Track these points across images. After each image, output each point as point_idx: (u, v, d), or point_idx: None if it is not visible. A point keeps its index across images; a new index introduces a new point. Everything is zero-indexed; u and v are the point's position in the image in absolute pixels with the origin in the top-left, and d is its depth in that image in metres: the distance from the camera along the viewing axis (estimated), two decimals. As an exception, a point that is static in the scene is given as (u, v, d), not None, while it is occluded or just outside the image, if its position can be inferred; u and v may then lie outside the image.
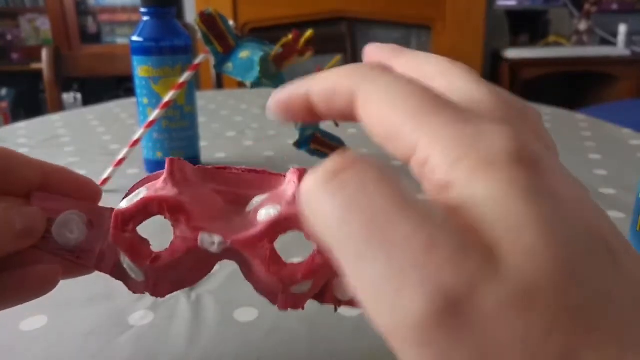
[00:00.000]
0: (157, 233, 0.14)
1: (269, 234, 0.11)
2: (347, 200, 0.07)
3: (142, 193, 0.13)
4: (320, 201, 0.07)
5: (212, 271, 0.14)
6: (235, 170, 0.13)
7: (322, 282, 0.13)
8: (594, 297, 0.06)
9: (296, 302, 0.12)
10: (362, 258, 0.07)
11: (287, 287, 0.12)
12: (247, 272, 0.13)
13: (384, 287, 0.07)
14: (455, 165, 0.08)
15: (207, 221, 0.12)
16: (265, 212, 0.12)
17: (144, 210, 0.12)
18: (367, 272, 0.07)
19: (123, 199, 0.14)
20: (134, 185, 0.14)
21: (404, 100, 0.08)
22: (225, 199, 0.13)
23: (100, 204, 0.15)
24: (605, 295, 0.07)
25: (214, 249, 0.12)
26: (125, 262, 0.13)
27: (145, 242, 0.13)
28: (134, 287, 0.14)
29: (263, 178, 0.13)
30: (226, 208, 0.13)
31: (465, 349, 0.06)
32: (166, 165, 0.13)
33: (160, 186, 0.13)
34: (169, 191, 0.12)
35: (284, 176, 0.13)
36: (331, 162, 0.08)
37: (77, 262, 0.13)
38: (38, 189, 0.14)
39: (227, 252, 0.12)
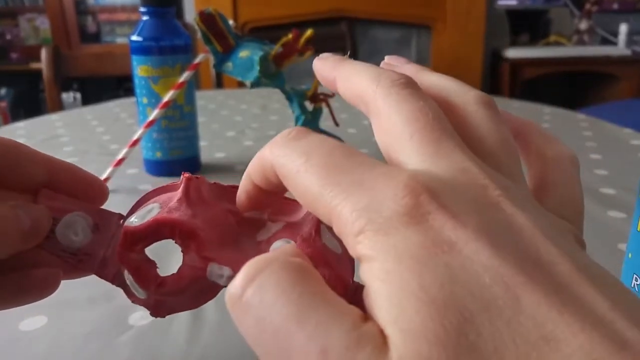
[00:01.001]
0: (164, 252, 0.14)
1: None
2: (253, 321, 0.08)
3: (154, 210, 0.12)
4: (236, 319, 0.09)
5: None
6: None
7: None
8: None
9: None
10: None
11: None
12: None
13: None
14: (357, 242, 0.08)
15: (217, 249, 0.12)
16: (279, 246, 0.11)
17: (155, 231, 0.12)
18: None
19: (132, 209, 0.13)
20: (145, 195, 0.13)
21: (309, 173, 0.09)
22: (238, 220, 0.13)
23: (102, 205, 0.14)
24: (495, 355, 0.07)
25: (222, 282, 0.11)
26: (129, 279, 0.13)
27: (152, 265, 0.12)
28: (133, 297, 0.13)
29: (279, 202, 0.13)
30: (238, 231, 0.12)
31: None
32: (182, 184, 0.12)
33: (174, 206, 0.12)
34: (183, 213, 0.12)
35: (302, 209, 0.12)
36: (237, 279, 0.08)
37: (79, 266, 0.13)
38: (44, 185, 0.14)
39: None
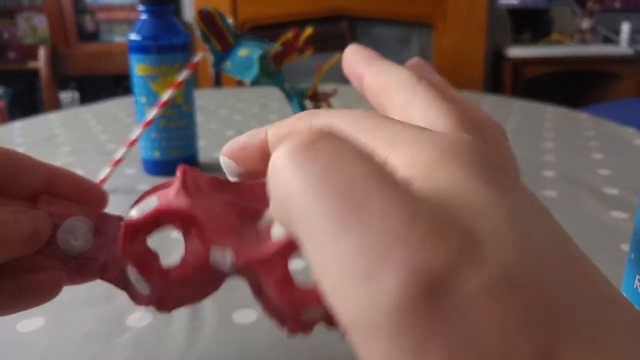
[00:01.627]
0: (166, 247, 0.14)
1: (284, 254, 0.11)
2: (321, 170, 0.07)
3: (153, 203, 0.12)
4: (290, 171, 0.07)
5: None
6: (250, 183, 0.13)
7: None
8: (566, 294, 0.06)
9: (305, 328, 0.12)
10: (334, 236, 0.06)
11: (298, 314, 0.11)
12: (257, 291, 0.12)
13: (360, 268, 0.06)
14: (415, 161, 0.07)
15: (219, 235, 0.12)
16: (279, 229, 0.11)
17: (155, 221, 0.12)
18: (337, 252, 0.06)
19: (132, 207, 0.13)
20: (144, 193, 0.13)
21: (357, 123, 0.09)
22: (238, 213, 0.12)
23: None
24: (574, 294, 0.06)
25: (226, 266, 0.11)
26: (132, 274, 0.13)
27: (154, 256, 0.12)
28: (137, 298, 0.13)
29: None
30: (239, 223, 0.12)
31: (441, 338, 0.06)
32: (178, 175, 0.12)
33: (172, 196, 0.12)
34: (182, 202, 0.12)
35: None
36: (304, 134, 0.07)
37: (81, 270, 0.13)
38: (44, 192, 0.14)
39: (238, 270, 0.12)
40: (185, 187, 0.12)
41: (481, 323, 0.06)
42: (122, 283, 0.13)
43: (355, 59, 0.12)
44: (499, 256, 0.06)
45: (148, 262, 0.12)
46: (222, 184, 0.13)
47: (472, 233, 0.06)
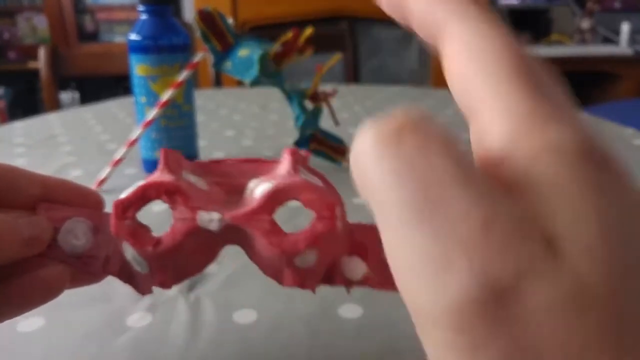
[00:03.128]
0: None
1: (266, 207, 0.12)
2: (403, 162, 0.07)
3: (139, 183, 0.13)
4: (373, 160, 0.07)
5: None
6: (231, 162, 0.14)
7: (328, 257, 0.13)
8: None
9: (303, 279, 0.12)
10: (407, 225, 0.07)
11: (291, 259, 0.12)
12: (250, 250, 0.13)
13: (428, 264, 0.06)
14: (518, 141, 0.07)
15: (206, 203, 0.12)
16: (261, 188, 0.12)
17: (142, 195, 0.13)
18: (411, 244, 0.06)
19: None
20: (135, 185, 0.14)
21: (485, 58, 0.08)
22: (225, 190, 0.13)
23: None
24: None
25: (214, 226, 0.12)
26: (129, 252, 0.13)
27: (145, 228, 0.13)
28: (141, 287, 0.14)
29: (259, 166, 0.14)
30: (226, 197, 0.13)
31: (502, 343, 0.06)
32: (161, 156, 0.13)
33: (156, 175, 0.13)
34: (166, 177, 0.13)
35: (279, 162, 0.13)
36: (389, 120, 0.07)
37: (84, 269, 0.14)
38: (42, 201, 0.14)
39: (228, 232, 0.12)
40: (167, 165, 0.13)
41: (543, 337, 0.06)
42: (125, 275, 0.14)
43: None
44: (577, 271, 0.06)
45: (140, 234, 0.13)
46: (206, 167, 0.14)
47: (553, 245, 0.06)
